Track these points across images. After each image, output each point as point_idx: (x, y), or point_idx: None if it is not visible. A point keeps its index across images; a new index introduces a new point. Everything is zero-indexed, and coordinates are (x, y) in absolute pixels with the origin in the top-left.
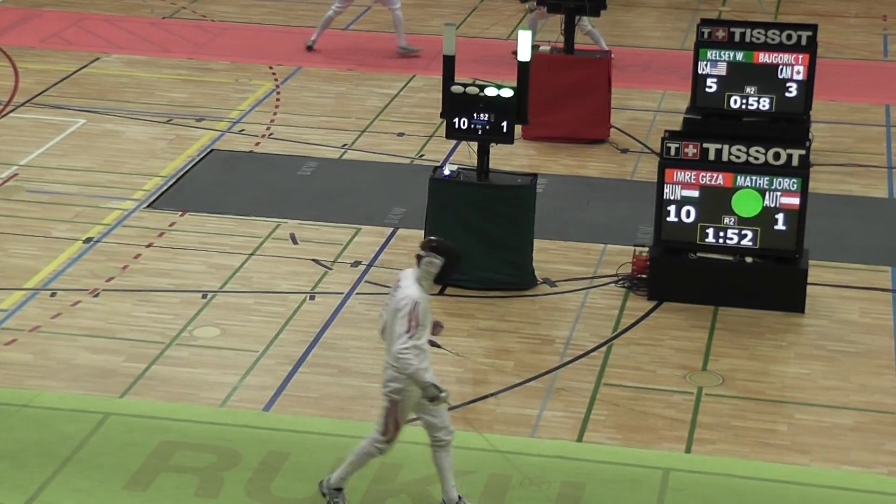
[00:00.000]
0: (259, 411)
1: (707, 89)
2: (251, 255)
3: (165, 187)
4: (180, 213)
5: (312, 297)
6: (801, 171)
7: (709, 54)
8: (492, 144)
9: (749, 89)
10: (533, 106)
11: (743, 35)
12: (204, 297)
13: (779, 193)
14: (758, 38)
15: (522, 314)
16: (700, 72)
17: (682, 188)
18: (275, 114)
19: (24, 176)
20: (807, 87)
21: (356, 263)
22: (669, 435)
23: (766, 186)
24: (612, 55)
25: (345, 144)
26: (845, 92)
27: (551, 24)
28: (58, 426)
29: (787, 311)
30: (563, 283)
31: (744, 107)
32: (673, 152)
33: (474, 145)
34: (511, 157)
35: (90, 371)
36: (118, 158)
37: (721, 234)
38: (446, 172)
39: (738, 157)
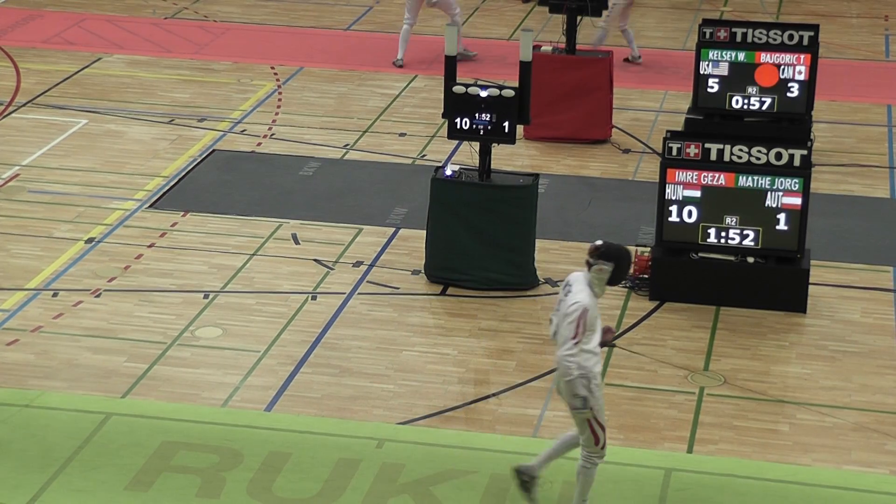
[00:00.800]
0: (261, 411)
1: (709, 89)
2: (253, 255)
3: (167, 187)
4: (182, 213)
5: (314, 298)
6: (803, 172)
7: (710, 54)
8: (493, 145)
9: (751, 89)
10: (534, 106)
11: (745, 35)
12: (206, 297)
13: (780, 193)
14: (759, 39)
15: (524, 314)
16: (702, 72)
17: (683, 188)
18: (276, 114)
19: (25, 176)
20: (808, 87)
21: (358, 263)
22: (671, 435)
23: (767, 186)
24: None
25: (346, 145)
26: (847, 92)
27: (553, 24)
28: (59, 426)
29: (789, 311)
30: None
31: (745, 107)
32: (675, 152)
33: (476, 145)
34: (513, 158)
35: (92, 371)
36: (120, 159)
37: (723, 234)
38: (448, 173)
39: (739, 158)
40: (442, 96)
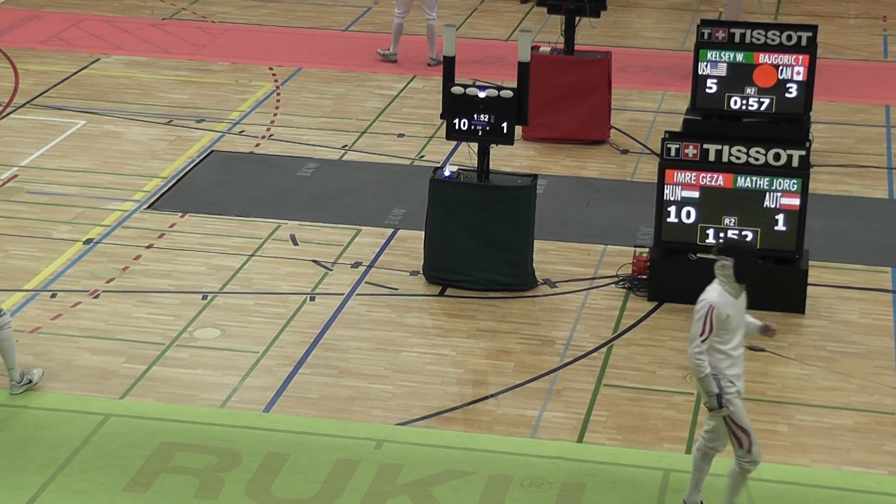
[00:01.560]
0: (259, 412)
1: (707, 90)
2: (251, 256)
3: (165, 188)
4: (180, 214)
5: (313, 298)
6: (802, 172)
7: (709, 55)
8: (492, 145)
9: (749, 90)
10: (533, 107)
11: (743, 36)
12: (204, 298)
13: (779, 194)
14: (758, 39)
15: (522, 315)
16: (700, 72)
17: (682, 189)
18: (275, 115)
19: (24, 177)
20: (807, 87)
21: (356, 264)
22: (670, 436)
23: (766, 187)
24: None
25: (345, 145)
26: (845, 93)
27: (551, 24)
28: (58, 427)
29: (788, 311)
30: (563, 284)
31: (744, 108)
32: (673, 153)
33: (474, 146)
34: (511, 158)
35: (90, 372)
36: (118, 159)
37: (721, 234)
38: (446, 173)
39: (738, 158)
40: (440, 97)
